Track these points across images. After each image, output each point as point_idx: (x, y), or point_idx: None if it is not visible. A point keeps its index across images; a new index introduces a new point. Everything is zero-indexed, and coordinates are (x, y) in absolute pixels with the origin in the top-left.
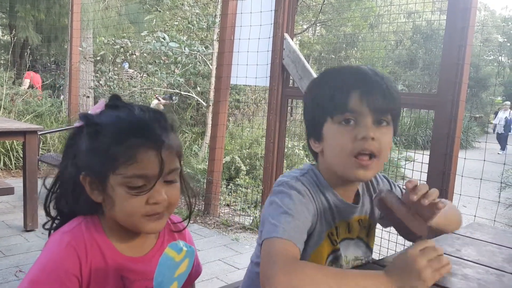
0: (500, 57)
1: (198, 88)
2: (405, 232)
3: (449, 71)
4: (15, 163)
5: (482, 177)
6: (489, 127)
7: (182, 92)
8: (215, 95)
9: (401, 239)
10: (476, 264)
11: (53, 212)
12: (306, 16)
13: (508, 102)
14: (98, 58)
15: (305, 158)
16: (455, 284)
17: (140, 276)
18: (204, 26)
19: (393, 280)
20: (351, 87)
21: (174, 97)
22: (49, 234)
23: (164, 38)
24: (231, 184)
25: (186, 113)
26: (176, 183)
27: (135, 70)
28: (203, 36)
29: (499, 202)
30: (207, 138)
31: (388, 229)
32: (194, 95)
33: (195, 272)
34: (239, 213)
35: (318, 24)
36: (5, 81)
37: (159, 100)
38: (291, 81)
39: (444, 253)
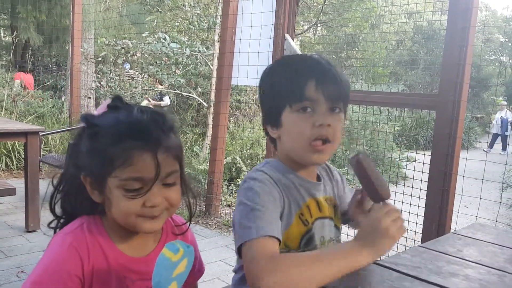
0: (501, 57)
1: (199, 89)
2: (373, 193)
3: (450, 71)
4: (16, 164)
5: (483, 177)
6: (491, 127)
7: (183, 93)
8: (216, 95)
9: None
10: (478, 265)
11: (58, 211)
12: (307, 17)
13: (504, 102)
14: (99, 59)
15: None
16: (457, 284)
17: (141, 276)
18: (205, 27)
19: (365, 244)
20: (307, 76)
21: (164, 97)
22: (55, 232)
23: (165, 39)
24: (232, 184)
25: (187, 114)
26: (176, 186)
27: (136, 71)
28: (204, 37)
29: (500, 202)
30: (208, 139)
31: None
32: (195, 96)
33: (198, 271)
34: None
35: (319, 25)
36: (6, 82)
37: (149, 100)
38: None
39: (446, 254)
